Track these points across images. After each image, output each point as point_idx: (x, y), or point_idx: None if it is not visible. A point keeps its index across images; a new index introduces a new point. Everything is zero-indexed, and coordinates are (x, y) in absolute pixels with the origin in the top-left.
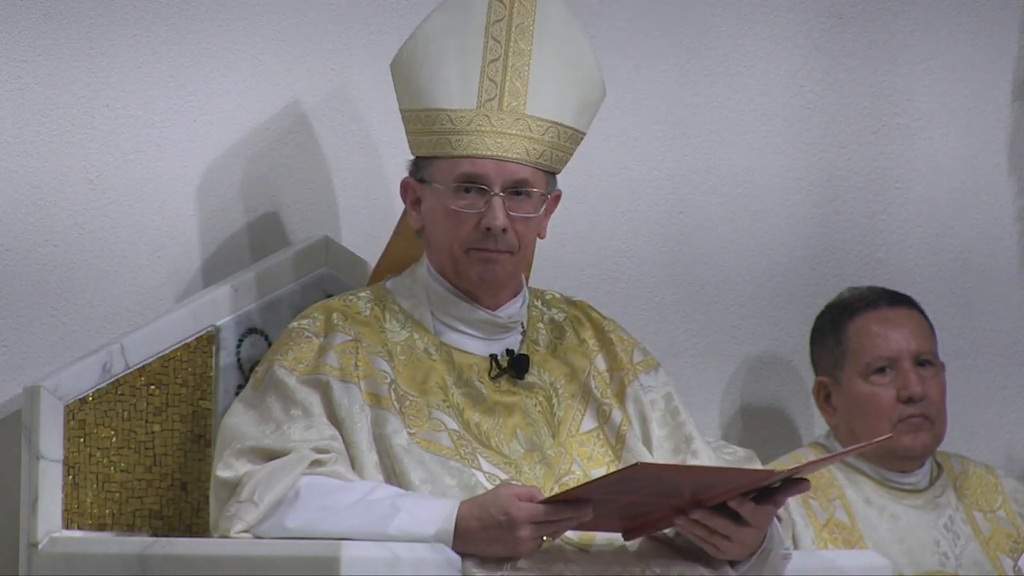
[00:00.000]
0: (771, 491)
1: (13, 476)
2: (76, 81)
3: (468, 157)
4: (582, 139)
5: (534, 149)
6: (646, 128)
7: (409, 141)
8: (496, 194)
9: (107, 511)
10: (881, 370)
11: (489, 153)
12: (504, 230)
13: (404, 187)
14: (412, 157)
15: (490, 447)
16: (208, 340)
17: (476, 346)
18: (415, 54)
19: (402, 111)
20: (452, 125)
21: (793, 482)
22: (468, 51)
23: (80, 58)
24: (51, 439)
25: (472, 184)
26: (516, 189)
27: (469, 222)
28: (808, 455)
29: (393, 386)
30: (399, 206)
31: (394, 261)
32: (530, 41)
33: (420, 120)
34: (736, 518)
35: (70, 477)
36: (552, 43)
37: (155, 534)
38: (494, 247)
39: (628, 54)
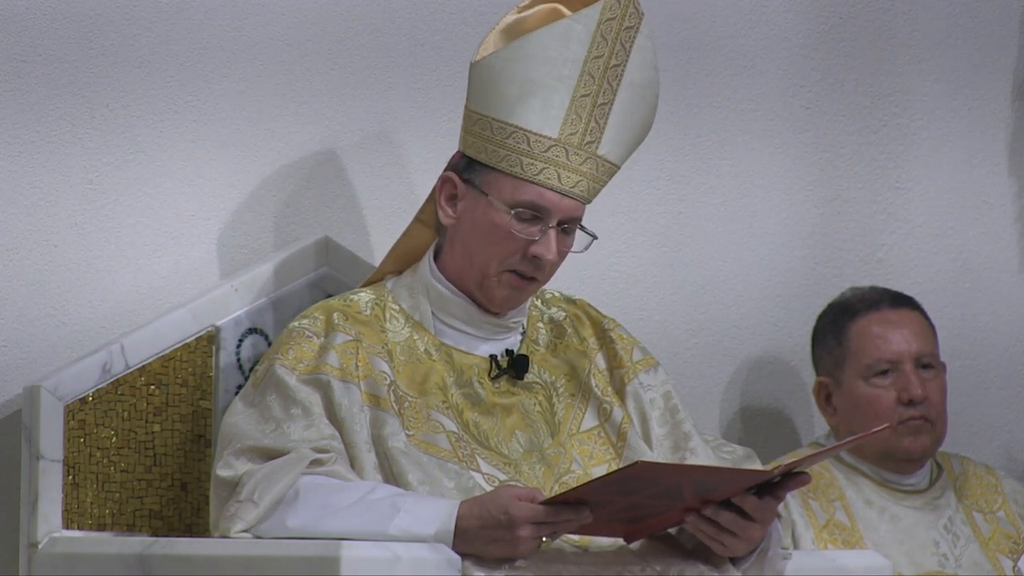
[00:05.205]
0: (772, 486)
1: (13, 476)
2: (76, 81)
3: (536, 185)
4: None
5: (592, 188)
6: None
7: (466, 140)
8: (552, 227)
9: (107, 511)
10: (882, 372)
11: (558, 187)
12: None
13: (444, 181)
14: (460, 152)
15: (489, 447)
16: (208, 340)
17: (476, 346)
18: (507, 65)
19: (470, 110)
20: (528, 147)
21: (793, 476)
22: (563, 80)
23: (80, 58)
24: (51, 439)
25: (532, 212)
26: (567, 225)
27: (517, 244)
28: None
29: (392, 387)
30: (399, 205)
31: (410, 247)
32: (618, 84)
33: (491, 128)
34: (743, 514)
35: (70, 477)
36: (636, 91)
37: (155, 534)
38: (531, 274)
39: None
